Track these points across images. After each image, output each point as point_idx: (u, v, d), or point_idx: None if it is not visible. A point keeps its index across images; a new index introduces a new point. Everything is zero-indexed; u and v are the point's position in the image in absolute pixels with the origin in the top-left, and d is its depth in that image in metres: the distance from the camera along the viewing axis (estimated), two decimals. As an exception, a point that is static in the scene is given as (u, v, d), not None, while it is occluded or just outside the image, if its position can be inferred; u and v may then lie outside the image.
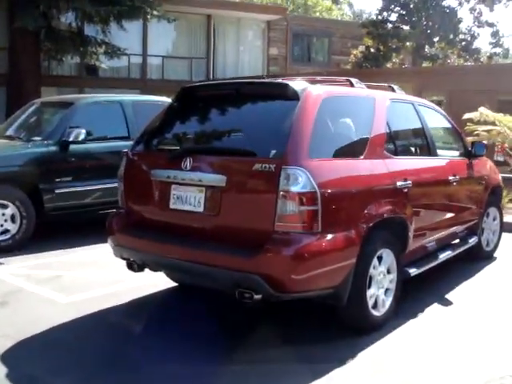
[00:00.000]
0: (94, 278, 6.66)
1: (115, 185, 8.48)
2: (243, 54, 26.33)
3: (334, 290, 4.59)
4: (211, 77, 24.95)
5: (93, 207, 8.73)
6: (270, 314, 5.38)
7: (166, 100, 9.74)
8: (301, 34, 28.03)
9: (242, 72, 25.23)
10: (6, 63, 19.98)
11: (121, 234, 5.26)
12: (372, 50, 24.89)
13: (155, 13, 19.05)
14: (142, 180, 5.18)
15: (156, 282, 6.13)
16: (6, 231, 7.85)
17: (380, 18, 25.98)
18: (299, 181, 4.29)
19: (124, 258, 5.28)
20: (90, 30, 19.63)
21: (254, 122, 4.90)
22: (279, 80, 5.30)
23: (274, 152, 4.41)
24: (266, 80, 5.61)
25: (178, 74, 24.03)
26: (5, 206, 7.83)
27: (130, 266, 5.26)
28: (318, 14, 48.94)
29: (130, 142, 8.94)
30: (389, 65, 25.21)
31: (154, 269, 5.33)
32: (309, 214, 4.32)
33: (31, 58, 18.38)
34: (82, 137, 8.30)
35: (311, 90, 4.79)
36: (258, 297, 4.34)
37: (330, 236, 4.42)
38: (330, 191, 4.43)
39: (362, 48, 25.59)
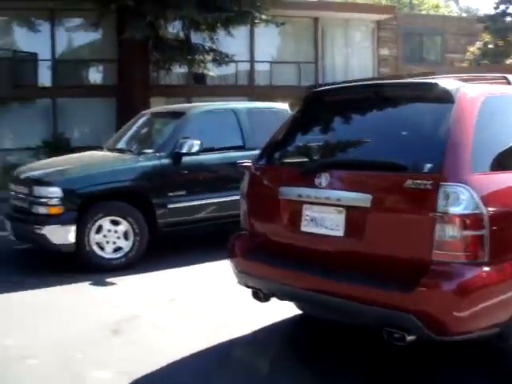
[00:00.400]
0: (210, 302, 6.13)
1: (230, 198, 8.22)
2: (352, 56, 25.49)
3: (501, 328, 3.79)
4: (320, 81, 24.24)
5: (206, 222, 8.23)
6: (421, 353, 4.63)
7: (282, 107, 9.14)
8: (411, 33, 26.92)
9: (351, 75, 24.36)
10: (115, 75, 20.09)
11: (245, 259, 4.67)
12: (490, 45, 23.42)
13: (263, 17, 18.57)
14: (269, 198, 4.57)
15: (277, 308, 5.48)
16: (119, 249, 7.49)
17: (498, 11, 24.47)
18: (461, 200, 3.53)
19: (249, 287, 4.68)
20: (196, 38, 19.39)
21: (400, 129, 4.16)
22: (426, 79, 4.55)
23: (428, 166, 3.66)
24: (411, 80, 4.84)
25: (286, 79, 23.47)
26: (117, 223, 7.47)
27: (256, 295, 4.67)
28: (424, 12, 47.31)
29: (246, 153, 8.54)
30: (508, 61, 23.67)
31: (282, 298, 4.70)
32: (473, 240, 3.55)
33: (140, 69, 18.31)
34: (195, 148, 7.82)
35: (466, 90, 3.99)
36: (410, 338, 3.63)
37: (498, 266, 3.63)
38: (499, 212, 3.64)
39: (479, 44, 24.14)
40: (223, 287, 6.34)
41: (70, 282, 6.93)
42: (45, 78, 21.20)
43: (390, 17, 25.74)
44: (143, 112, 9.88)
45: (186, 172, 8.00)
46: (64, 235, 7.22)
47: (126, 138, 9.11)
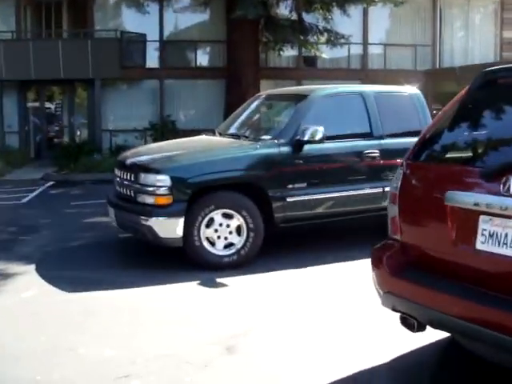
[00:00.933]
0: (335, 316, 5.25)
1: (355, 192, 7.36)
2: (473, 38, 23.83)
3: None
4: (438, 66, 22.77)
5: (328, 218, 7.35)
6: None
7: (413, 91, 8.14)
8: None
9: (471, 59, 22.79)
10: (224, 56, 19.46)
11: (395, 277, 3.76)
12: None
13: (381, -4, 17.42)
14: (430, 204, 3.64)
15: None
16: (231, 245, 6.74)
17: None
18: None
19: (397, 311, 3.79)
20: (309, 18, 18.45)
21: None
22: None
23: None
24: None
25: (401, 63, 22.16)
26: (230, 217, 6.71)
27: (405, 323, 3.77)
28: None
29: (373, 142, 7.64)
30: None
31: (443, 330, 3.78)
32: None
33: (250, 50, 17.60)
34: (319, 136, 6.93)
35: None
36: None
37: None
38: None
39: None
40: (348, 297, 5.52)
41: (176, 280, 6.26)
42: (152, 59, 20.89)
43: (515, -3, 23.86)
44: (258, 94, 9.08)
45: (307, 162, 7.15)
46: (172, 228, 6.53)
47: (239, 122, 8.31)
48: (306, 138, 6.93)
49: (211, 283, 6.20)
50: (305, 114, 7.24)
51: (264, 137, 7.33)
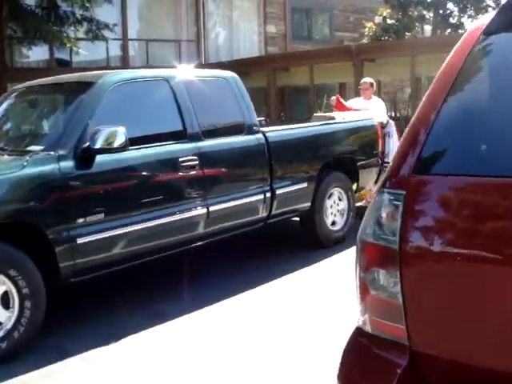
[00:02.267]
0: None
1: (175, 218, 5.26)
2: (237, 34, 22.67)
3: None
4: (203, 61, 21.21)
5: (142, 258, 5.08)
6: None
7: (229, 74, 6.19)
8: (300, 9, 24.40)
9: (237, 55, 21.60)
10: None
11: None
12: (390, 21, 21.36)
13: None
14: (463, 266, 1.63)
15: None
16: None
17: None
18: None
19: None
20: (66, 7, 15.64)
21: None
22: None
23: None
24: None
25: (165, 59, 20.24)
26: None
27: None
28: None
29: (189, 145, 5.53)
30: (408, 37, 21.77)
31: None
32: None
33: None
34: (119, 140, 4.62)
35: None
36: None
37: None
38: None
39: (378, 19, 22.06)
40: None
41: None
42: None
43: (276, -9, 23.18)
44: (15, 88, 6.39)
45: (103, 181, 4.79)
46: None
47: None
48: (98, 146, 4.57)
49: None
50: (93, 109, 4.84)
51: (33, 147, 4.77)
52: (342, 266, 5.84)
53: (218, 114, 5.87)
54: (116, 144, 4.62)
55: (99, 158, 4.65)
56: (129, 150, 4.79)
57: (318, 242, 6.85)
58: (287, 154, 6.41)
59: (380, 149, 7.90)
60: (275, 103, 17.60)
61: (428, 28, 23.63)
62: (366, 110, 8.39)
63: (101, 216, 4.68)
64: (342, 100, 8.99)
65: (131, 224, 4.85)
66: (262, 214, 6.04)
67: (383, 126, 8.21)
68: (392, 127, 8.37)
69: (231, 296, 5.23)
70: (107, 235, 4.69)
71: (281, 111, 18.12)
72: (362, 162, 7.41)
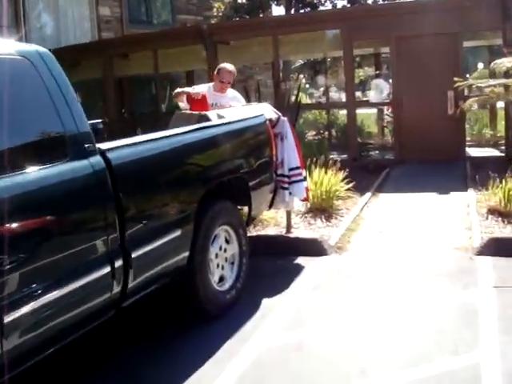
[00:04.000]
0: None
1: None
2: (65, 19, 19.50)
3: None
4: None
5: None
6: None
7: (33, 47, 3.46)
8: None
9: (65, 41, 18.46)
10: None
11: None
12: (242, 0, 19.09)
13: None
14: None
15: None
16: None
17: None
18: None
19: None
20: None
21: None
22: None
23: None
24: None
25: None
26: None
27: None
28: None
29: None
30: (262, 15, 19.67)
31: None
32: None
33: None
34: None
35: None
36: None
37: None
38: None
39: (228, -1, 19.79)
40: None
41: None
42: None
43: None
44: None
45: None
46: None
47: None
48: None
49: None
50: None
51: None
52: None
53: (14, 125, 3.11)
54: None
55: None
56: None
57: (202, 311, 4.37)
58: (145, 186, 3.78)
59: (273, 157, 5.55)
60: (114, 98, 14.84)
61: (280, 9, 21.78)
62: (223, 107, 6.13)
63: None
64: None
65: None
66: (111, 296, 3.42)
67: (273, 124, 5.79)
68: (286, 126, 5.89)
69: None
70: None
71: (121, 107, 15.39)
72: (256, 181, 4.98)
